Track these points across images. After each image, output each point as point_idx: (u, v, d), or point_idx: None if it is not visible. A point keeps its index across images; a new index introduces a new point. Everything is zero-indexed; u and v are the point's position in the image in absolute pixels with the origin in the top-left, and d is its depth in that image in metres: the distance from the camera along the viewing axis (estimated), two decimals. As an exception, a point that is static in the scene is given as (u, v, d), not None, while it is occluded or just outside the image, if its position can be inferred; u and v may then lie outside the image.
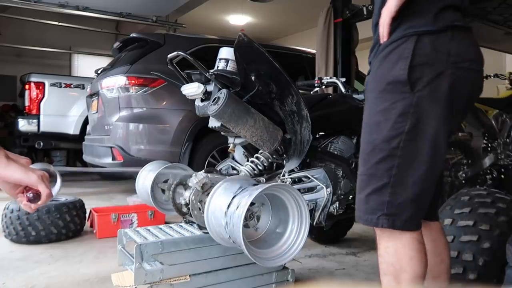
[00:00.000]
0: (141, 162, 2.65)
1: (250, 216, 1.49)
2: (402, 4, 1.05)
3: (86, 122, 5.59)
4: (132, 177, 5.39)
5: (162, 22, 7.82)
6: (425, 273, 1.14)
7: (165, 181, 1.99)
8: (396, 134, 1.06)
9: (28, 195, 0.84)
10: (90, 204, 3.32)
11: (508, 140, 3.07)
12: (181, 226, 1.84)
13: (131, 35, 4.32)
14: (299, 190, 1.65)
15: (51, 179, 0.86)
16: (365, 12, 4.33)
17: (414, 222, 1.10)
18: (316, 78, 2.73)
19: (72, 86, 6.25)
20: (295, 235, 1.46)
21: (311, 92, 2.87)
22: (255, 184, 1.44)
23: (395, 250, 1.11)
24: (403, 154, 1.06)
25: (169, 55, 1.88)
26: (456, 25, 1.06)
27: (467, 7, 1.13)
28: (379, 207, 1.09)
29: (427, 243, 1.24)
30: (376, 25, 1.15)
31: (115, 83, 3.88)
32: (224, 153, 3.57)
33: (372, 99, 1.12)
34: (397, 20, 1.07)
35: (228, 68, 1.76)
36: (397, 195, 1.08)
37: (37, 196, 0.84)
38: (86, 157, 4.62)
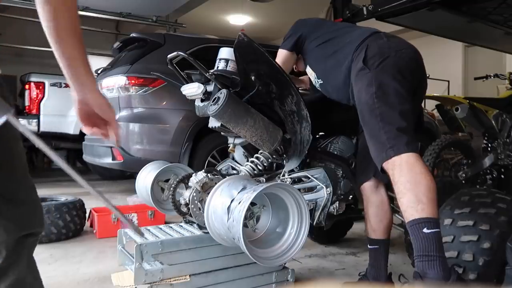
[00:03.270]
0: (141, 162, 2.65)
1: (250, 215, 1.49)
2: None
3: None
4: (132, 177, 5.39)
5: (162, 22, 7.82)
6: (435, 188, 1.39)
7: (165, 181, 1.99)
8: (369, 97, 1.56)
9: None
10: (90, 204, 3.32)
11: (508, 140, 3.06)
12: (181, 226, 1.84)
13: (131, 35, 4.32)
14: (299, 190, 1.65)
15: None
16: (365, 12, 4.31)
17: (411, 146, 1.46)
18: (316, 78, 2.73)
19: (72, 86, 6.24)
20: (295, 235, 1.46)
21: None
22: (255, 184, 1.44)
23: (407, 169, 1.41)
24: (379, 106, 1.53)
25: (169, 55, 1.88)
26: (384, 32, 1.75)
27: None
28: (383, 146, 1.48)
29: (374, 204, 1.83)
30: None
31: (115, 83, 3.87)
32: (224, 153, 3.57)
33: (354, 87, 1.67)
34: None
35: (228, 68, 1.76)
36: (389, 132, 1.49)
37: None
38: (86, 157, 4.62)
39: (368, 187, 1.84)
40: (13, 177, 0.97)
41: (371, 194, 1.83)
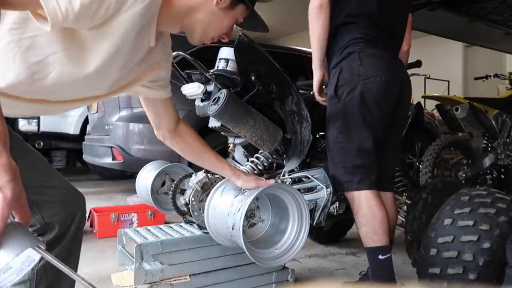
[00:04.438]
0: (141, 162, 2.65)
1: (250, 216, 1.49)
2: (320, 80, 1.79)
3: (86, 122, 5.58)
4: (132, 177, 5.39)
5: (162, 22, 7.80)
6: (387, 221, 1.63)
7: (165, 181, 1.99)
8: (334, 130, 1.68)
9: None
10: (90, 204, 3.32)
11: (508, 140, 3.06)
12: (181, 226, 1.84)
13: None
14: (299, 190, 1.65)
15: None
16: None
17: (363, 184, 1.63)
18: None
19: (72, 86, 6.22)
20: (295, 235, 1.46)
21: (311, 93, 2.87)
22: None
23: (364, 204, 1.62)
24: (342, 141, 1.67)
25: (169, 55, 1.87)
26: (360, 51, 1.65)
27: (380, 37, 1.72)
28: (340, 178, 1.68)
29: None
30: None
31: (115, 83, 3.87)
32: (224, 153, 3.57)
33: (327, 108, 1.73)
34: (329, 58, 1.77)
35: (228, 68, 1.76)
36: (346, 168, 1.66)
37: None
38: (86, 157, 4.62)
39: None
40: (42, 169, 1.18)
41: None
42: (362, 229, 1.63)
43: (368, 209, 1.61)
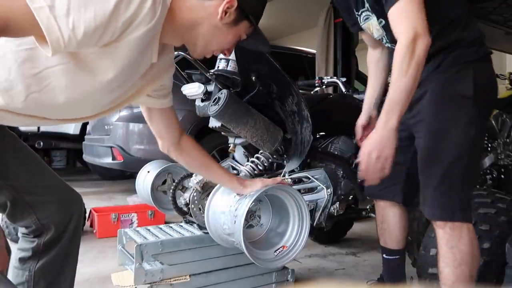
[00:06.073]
0: (141, 162, 2.65)
1: (251, 216, 1.49)
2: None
3: (86, 122, 5.58)
4: (132, 177, 5.39)
5: (162, 22, 7.79)
6: None
7: (165, 181, 1.99)
8: (468, 139, 1.27)
9: None
10: (90, 204, 3.32)
11: (508, 140, 3.06)
12: (181, 226, 1.84)
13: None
14: (299, 190, 1.65)
15: None
16: (365, 12, 4.31)
17: (471, 213, 1.31)
18: (317, 78, 2.73)
19: (72, 85, 6.20)
20: (295, 236, 1.46)
21: (312, 92, 2.87)
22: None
23: (469, 240, 1.27)
24: (470, 155, 1.28)
25: (169, 55, 1.87)
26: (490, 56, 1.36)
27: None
28: (454, 204, 1.27)
29: (396, 214, 1.59)
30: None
31: (115, 83, 3.86)
32: (224, 153, 3.57)
33: (437, 110, 1.30)
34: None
35: (229, 68, 1.76)
36: (467, 191, 1.29)
37: None
38: (86, 157, 4.62)
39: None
40: (35, 169, 1.17)
41: (390, 207, 1.62)
42: (455, 269, 1.27)
43: (471, 247, 1.28)
